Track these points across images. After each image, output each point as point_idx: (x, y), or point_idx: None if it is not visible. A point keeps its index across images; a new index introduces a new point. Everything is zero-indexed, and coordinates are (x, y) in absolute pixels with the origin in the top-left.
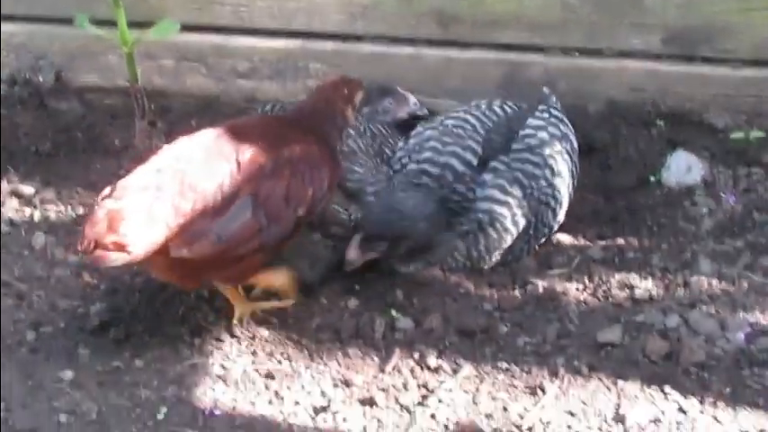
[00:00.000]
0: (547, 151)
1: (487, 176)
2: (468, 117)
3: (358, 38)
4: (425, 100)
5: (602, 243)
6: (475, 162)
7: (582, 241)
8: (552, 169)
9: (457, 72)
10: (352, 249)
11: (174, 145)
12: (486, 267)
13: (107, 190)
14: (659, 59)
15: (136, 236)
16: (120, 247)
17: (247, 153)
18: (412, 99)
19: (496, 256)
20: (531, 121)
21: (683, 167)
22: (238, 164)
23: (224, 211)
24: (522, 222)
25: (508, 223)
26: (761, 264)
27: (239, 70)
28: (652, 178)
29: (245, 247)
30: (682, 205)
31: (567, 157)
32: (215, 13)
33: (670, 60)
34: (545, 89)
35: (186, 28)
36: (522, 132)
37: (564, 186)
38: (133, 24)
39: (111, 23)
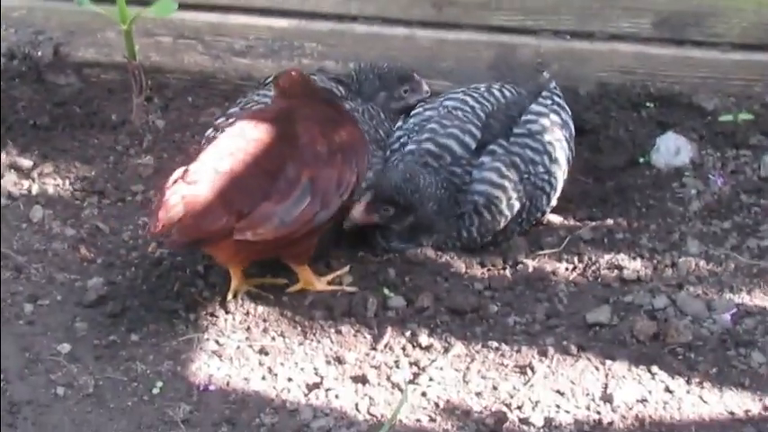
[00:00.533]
0: (547, 138)
1: (485, 159)
2: (468, 99)
3: (353, 18)
4: None
5: (592, 224)
6: (473, 145)
7: (572, 222)
8: (551, 156)
9: (450, 53)
10: (359, 208)
11: (236, 126)
12: (476, 246)
13: (179, 172)
14: (649, 43)
15: (210, 221)
16: (195, 232)
17: (306, 138)
18: (425, 87)
19: (488, 237)
20: (533, 107)
21: (671, 149)
22: (299, 149)
23: (287, 195)
24: (516, 206)
25: (503, 206)
26: (748, 245)
27: (235, 48)
28: (641, 160)
29: (302, 230)
30: (670, 187)
31: (565, 144)
32: None
33: (660, 44)
34: (545, 74)
35: (184, 6)
36: (524, 117)
37: (560, 173)
38: (132, 2)
39: (110, 0)
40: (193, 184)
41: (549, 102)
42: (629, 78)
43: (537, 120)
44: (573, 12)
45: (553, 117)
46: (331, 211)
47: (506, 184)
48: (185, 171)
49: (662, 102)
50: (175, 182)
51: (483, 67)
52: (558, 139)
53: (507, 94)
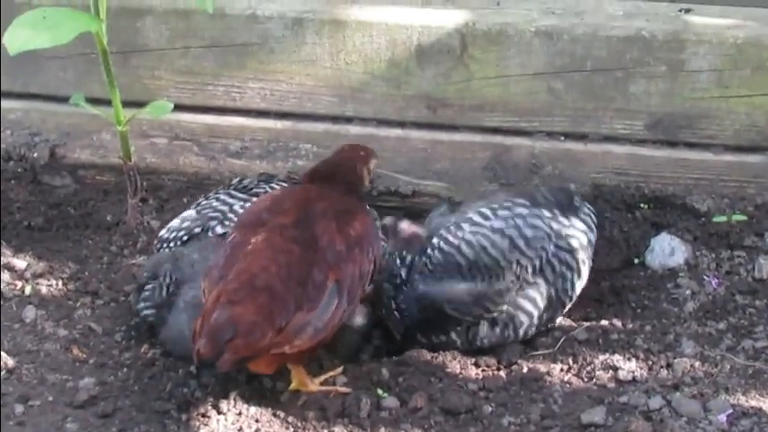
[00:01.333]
0: (581, 256)
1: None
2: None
3: (348, 119)
4: (413, 181)
5: (587, 324)
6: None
7: (567, 322)
8: (579, 273)
9: (445, 154)
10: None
11: (262, 235)
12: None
13: (215, 293)
14: (643, 144)
15: (258, 339)
16: (245, 350)
17: (326, 239)
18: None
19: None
20: (578, 224)
21: (666, 250)
22: (320, 252)
23: (317, 302)
24: (536, 317)
25: (525, 320)
26: (743, 346)
27: (231, 149)
28: (636, 260)
29: (333, 331)
30: (665, 287)
31: (589, 263)
32: (208, 94)
33: (653, 145)
34: (572, 186)
35: (179, 107)
36: (565, 232)
37: (580, 289)
38: (127, 104)
39: (106, 102)
40: (238, 304)
41: (589, 220)
42: (623, 179)
43: (578, 237)
44: (566, 113)
45: (590, 236)
46: (356, 305)
47: (534, 311)
48: (223, 291)
49: (656, 203)
50: (217, 302)
51: (477, 167)
52: (588, 257)
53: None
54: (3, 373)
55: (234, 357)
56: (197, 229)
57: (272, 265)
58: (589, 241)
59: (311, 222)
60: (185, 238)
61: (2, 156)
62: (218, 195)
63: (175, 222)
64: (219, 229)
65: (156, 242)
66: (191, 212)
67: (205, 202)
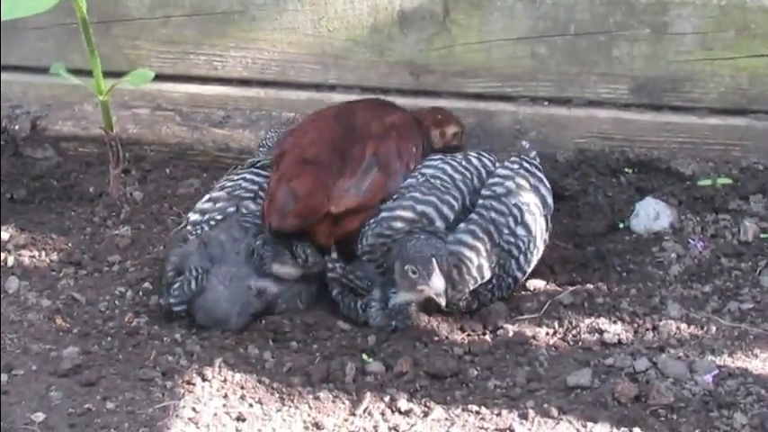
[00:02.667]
0: (512, 200)
1: (462, 224)
2: (447, 168)
3: (331, 87)
4: None
5: (572, 288)
6: (452, 217)
7: (552, 287)
8: (516, 219)
9: None
10: (438, 278)
11: (304, 123)
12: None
13: (274, 177)
14: (627, 108)
15: (314, 205)
16: (308, 213)
17: (361, 122)
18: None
19: (458, 299)
20: (499, 170)
21: (651, 214)
22: (357, 131)
23: (356, 169)
24: (486, 270)
25: (473, 268)
26: (729, 308)
27: (213, 119)
28: (621, 225)
29: (375, 199)
30: (650, 251)
31: (534, 209)
32: (189, 63)
33: (638, 109)
34: (524, 143)
35: (161, 77)
36: (490, 180)
37: (529, 238)
38: (109, 74)
39: (87, 73)
40: (296, 179)
41: (515, 166)
42: (608, 144)
43: (502, 182)
44: (550, 78)
45: (519, 180)
46: (397, 182)
47: (480, 246)
48: (281, 172)
49: (641, 167)
50: (279, 182)
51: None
52: (524, 202)
53: (486, 161)
54: None
55: (297, 221)
56: (231, 209)
57: (318, 141)
58: (534, 187)
59: (352, 113)
60: (219, 217)
61: None
62: (243, 176)
63: (207, 205)
64: (253, 206)
65: (187, 227)
66: (220, 193)
67: (232, 183)
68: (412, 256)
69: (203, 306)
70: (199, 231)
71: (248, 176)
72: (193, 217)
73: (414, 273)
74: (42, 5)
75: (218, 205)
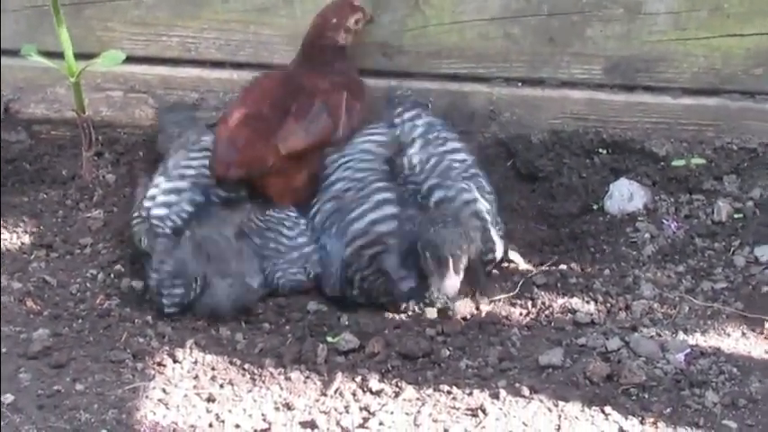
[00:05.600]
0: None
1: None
2: (348, 173)
3: None
4: None
5: (545, 268)
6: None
7: (525, 267)
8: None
9: None
10: (453, 278)
11: (255, 84)
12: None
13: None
14: (601, 89)
15: (254, 154)
16: (248, 164)
17: (309, 82)
18: None
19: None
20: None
21: (625, 195)
22: (306, 88)
23: (304, 114)
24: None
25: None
26: (702, 288)
27: (187, 101)
28: (595, 206)
29: (322, 144)
30: (624, 232)
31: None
32: (162, 45)
33: (611, 90)
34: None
35: (134, 59)
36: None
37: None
38: (81, 56)
39: (59, 56)
40: (236, 131)
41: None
42: (582, 125)
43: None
44: (523, 59)
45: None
46: (344, 134)
47: (476, 194)
48: (224, 129)
49: (614, 148)
50: (220, 136)
51: (435, 115)
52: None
53: (377, 138)
54: None
55: (241, 171)
56: (199, 198)
57: (262, 99)
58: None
59: (299, 75)
60: (190, 209)
61: None
62: (203, 162)
63: (171, 197)
64: (223, 193)
65: (150, 220)
66: (182, 183)
67: (193, 171)
68: (430, 242)
69: (206, 303)
70: (169, 225)
71: (198, 160)
72: (157, 211)
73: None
74: None
75: (183, 195)
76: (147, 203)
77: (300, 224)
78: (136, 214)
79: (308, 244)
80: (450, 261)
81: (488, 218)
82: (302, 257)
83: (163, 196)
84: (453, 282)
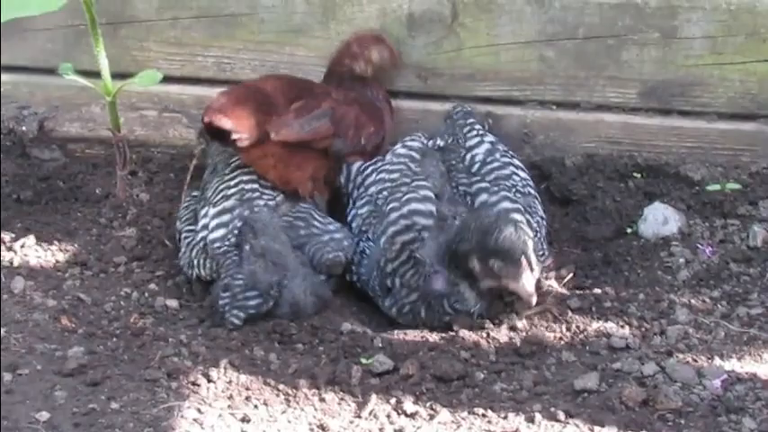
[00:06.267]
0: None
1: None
2: (391, 175)
3: None
4: None
5: (580, 293)
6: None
7: (560, 291)
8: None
9: (436, 124)
10: (529, 283)
11: (271, 76)
12: None
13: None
14: (636, 113)
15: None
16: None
17: (321, 89)
18: None
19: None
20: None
21: (659, 219)
22: (318, 92)
23: (307, 112)
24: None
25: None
26: (737, 313)
27: None
28: (629, 230)
29: (318, 144)
30: (659, 256)
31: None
32: (197, 65)
33: (646, 113)
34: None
35: (169, 79)
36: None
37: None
38: (116, 75)
39: (95, 74)
40: (240, 89)
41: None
42: (616, 149)
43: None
44: (558, 82)
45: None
46: (348, 146)
47: (520, 206)
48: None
49: (649, 172)
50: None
51: None
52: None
53: (416, 144)
54: None
55: (227, 123)
56: (246, 212)
57: (275, 85)
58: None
59: (318, 84)
60: (240, 224)
61: None
62: (240, 178)
63: (222, 218)
64: (261, 202)
65: (212, 245)
66: (229, 203)
67: (234, 189)
68: (497, 249)
69: (286, 305)
70: (226, 244)
71: (245, 178)
72: (214, 235)
73: (499, 269)
74: (53, 4)
75: (234, 213)
76: (201, 234)
77: (329, 218)
78: (189, 252)
79: (338, 231)
80: (524, 260)
81: (529, 235)
82: (333, 241)
83: (215, 220)
84: (531, 279)
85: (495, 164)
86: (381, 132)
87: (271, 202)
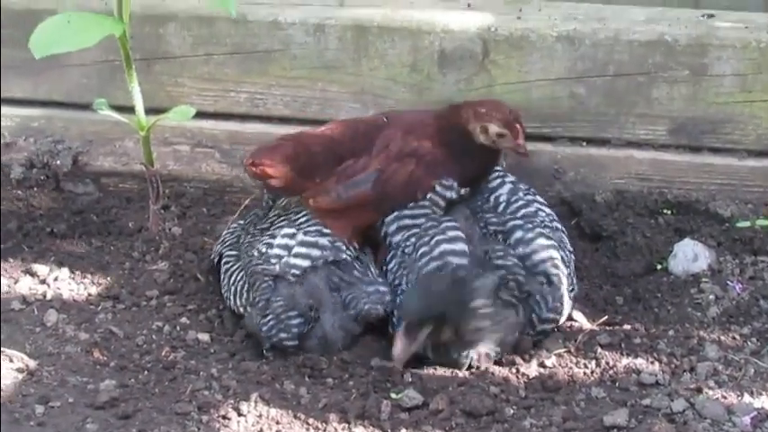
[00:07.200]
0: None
1: (518, 234)
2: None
3: None
4: None
5: (609, 328)
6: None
7: (589, 326)
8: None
9: None
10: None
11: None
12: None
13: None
14: (666, 149)
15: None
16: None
17: (381, 140)
18: None
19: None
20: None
21: (689, 256)
22: (373, 149)
23: (349, 178)
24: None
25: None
26: (767, 350)
27: None
28: (659, 266)
29: (359, 208)
30: (688, 293)
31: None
32: (230, 101)
33: (676, 150)
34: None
35: (202, 115)
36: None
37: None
38: (150, 111)
39: (129, 110)
40: (288, 143)
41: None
42: (646, 185)
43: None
44: (588, 119)
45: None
46: (400, 201)
47: (555, 242)
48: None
49: (679, 208)
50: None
51: None
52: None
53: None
54: (24, 375)
55: (257, 174)
56: (332, 257)
57: (319, 140)
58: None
59: (381, 127)
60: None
61: (24, 164)
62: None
63: (314, 251)
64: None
65: (286, 269)
66: (323, 240)
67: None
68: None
69: (316, 336)
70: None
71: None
72: (297, 261)
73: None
74: (89, 40)
75: (324, 253)
76: (274, 252)
77: (371, 268)
78: (227, 279)
79: (384, 284)
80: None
81: (563, 270)
82: (377, 293)
83: (303, 248)
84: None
85: (520, 202)
86: (454, 174)
87: (350, 258)
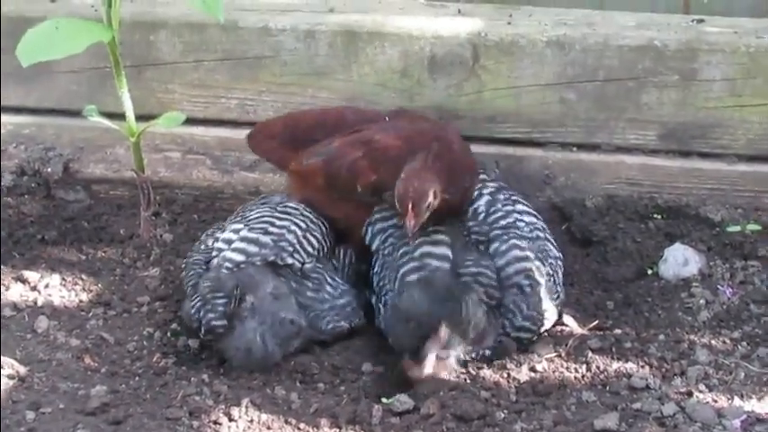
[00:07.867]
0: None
1: (495, 245)
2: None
3: None
4: None
5: (600, 333)
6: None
7: (580, 331)
8: None
9: None
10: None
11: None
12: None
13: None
14: (656, 154)
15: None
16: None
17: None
18: None
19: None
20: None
21: (680, 260)
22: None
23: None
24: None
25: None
26: (758, 354)
27: (244, 163)
28: (649, 271)
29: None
30: (679, 297)
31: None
32: (221, 107)
33: (666, 155)
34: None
35: (193, 121)
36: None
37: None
38: (140, 117)
39: (119, 116)
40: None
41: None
42: (636, 190)
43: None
44: (579, 124)
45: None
46: (337, 182)
47: (529, 253)
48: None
49: (669, 213)
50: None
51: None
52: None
53: None
54: (14, 381)
55: (255, 146)
56: (271, 257)
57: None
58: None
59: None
60: (259, 263)
61: (14, 171)
62: (287, 226)
63: (252, 248)
64: (290, 260)
65: (223, 262)
66: (266, 239)
67: (277, 230)
68: None
69: (237, 345)
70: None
71: (292, 228)
72: (233, 255)
73: None
74: (77, 47)
75: (262, 251)
76: (218, 244)
77: (339, 284)
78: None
79: (343, 295)
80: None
81: (541, 281)
82: (334, 310)
83: (243, 244)
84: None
85: (499, 213)
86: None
87: (297, 264)
